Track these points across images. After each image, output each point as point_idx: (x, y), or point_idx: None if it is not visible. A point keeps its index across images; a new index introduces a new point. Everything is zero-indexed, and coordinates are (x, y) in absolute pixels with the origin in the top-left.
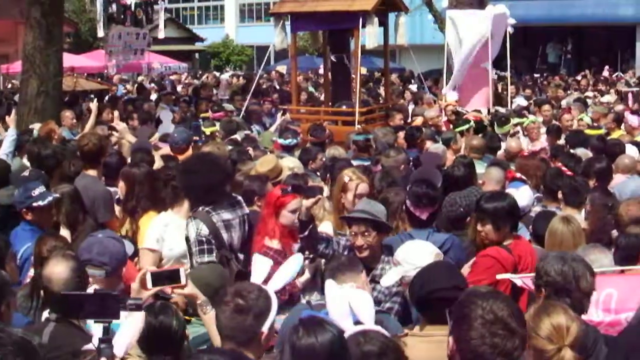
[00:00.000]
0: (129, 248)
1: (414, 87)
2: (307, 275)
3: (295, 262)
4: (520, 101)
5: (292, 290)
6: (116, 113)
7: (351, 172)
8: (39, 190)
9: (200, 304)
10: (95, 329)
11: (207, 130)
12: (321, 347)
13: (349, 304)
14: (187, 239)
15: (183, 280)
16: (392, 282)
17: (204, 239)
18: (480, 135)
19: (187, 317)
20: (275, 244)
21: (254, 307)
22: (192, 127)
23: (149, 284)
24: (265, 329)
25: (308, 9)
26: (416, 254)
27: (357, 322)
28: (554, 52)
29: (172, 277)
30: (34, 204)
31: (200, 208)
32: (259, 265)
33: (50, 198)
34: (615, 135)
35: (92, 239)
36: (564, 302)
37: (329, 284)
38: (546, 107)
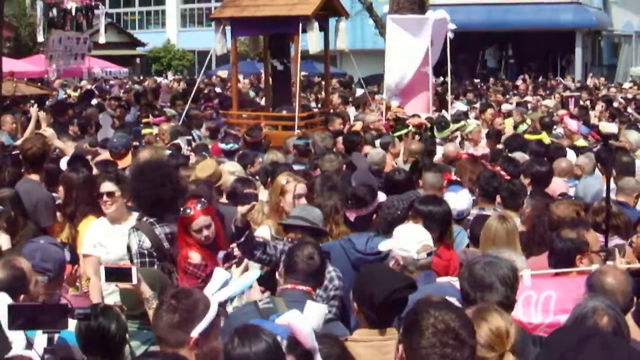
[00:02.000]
0: (67, 254)
1: (360, 91)
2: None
3: (248, 277)
4: (460, 106)
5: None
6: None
7: (287, 175)
8: None
9: (146, 298)
10: (39, 338)
11: (143, 132)
12: (256, 357)
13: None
14: (129, 249)
15: (134, 280)
16: (385, 249)
17: (145, 251)
18: (419, 139)
19: None
20: (195, 257)
21: (184, 310)
22: (132, 132)
23: (103, 278)
24: (194, 334)
25: (248, 13)
26: (406, 236)
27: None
28: (493, 57)
29: (124, 275)
30: None
31: (144, 219)
32: (215, 277)
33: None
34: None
35: (34, 244)
36: (477, 298)
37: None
38: (489, 111)
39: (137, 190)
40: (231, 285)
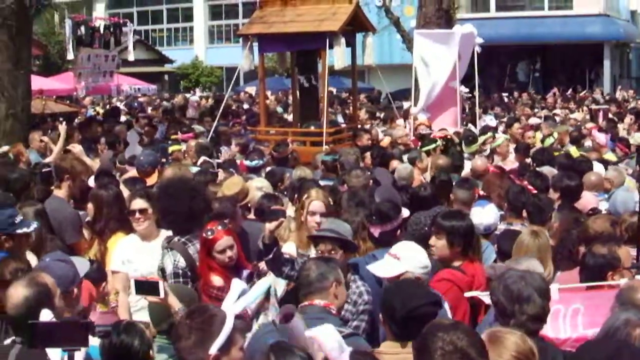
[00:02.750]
0: (83, 267)
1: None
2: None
3: (260, 285)
4: (489, 120)
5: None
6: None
7: (313, 191)
8: (19, 217)
9: (175, 311)
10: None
11: (171, 149)
12: None
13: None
14: (163, 270)
15: (162, 294)
16: (391, 274)
17: (180, 271)
18: (447, 154)
19: None
20: (216, 281)
21: (199, 329)
22: (159, 149)
23: (133, 290)
24: (212, 351)
25: (275, 30)
26: (419, 253)
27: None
28: (524, 71)
29: (152, 288)
30: (18, 231)
31: (176, 238)
32: (233, 288)
33: (34, 225)
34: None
35: (39, 264)
36: (507, 324)
37: (295, 322)
38: (516, 125)
39: (166, 207)
40: (246, 296)
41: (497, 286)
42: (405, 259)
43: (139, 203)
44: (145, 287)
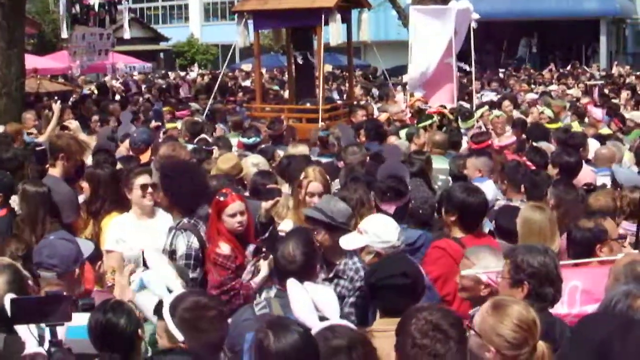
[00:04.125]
0: (87, 248)
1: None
2: (262, 274)
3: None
4: (490, 95)
5: (247, 293)
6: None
7: (310, 170)
8: None
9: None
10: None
11: (168, 126)
12: (291, 349)
13: (312, 301)
14: (173, 252)
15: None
16: (353, 247)
17: (193, 252)
18: (443, 130)
19: None
20: (224, 248)
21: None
22: (154, 112)
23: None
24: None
25: (270, 6)
26: (383, 227)
27: (322, 318)
28: (520, 47)
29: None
30: None
31: (185, 220)
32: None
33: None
34: (556, 125)
35: (43, 241)
36: (548, 293)
37: (291, 283)
38: (506, 102)
39: (170, 188)
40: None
41: (531, 259)
42: (367, 233)
43: (147, 178)
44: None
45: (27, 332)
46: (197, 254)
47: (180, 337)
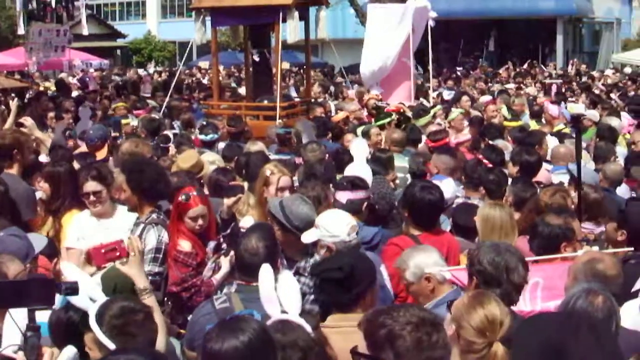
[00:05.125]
0: (39, 243)
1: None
2: (223, 270)
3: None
4: (446, 95)
5: (209, 290)
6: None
7: (273, 166)
8: None
9: (141, 289)
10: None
11: (123, 122)
12: (233, 353)
13: (275, 292)
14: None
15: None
16: (307, 240)
17: (163, 247)
18: (401, 128)
19: None
20: (185, 245)
21: None
22: (111, 123)
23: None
24: None
25: (228, 3)
26: (333, 222)
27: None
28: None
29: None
30: None
31: (154, 215)
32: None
33: None
34: (515, 124)
35: None
36: (493, 293)
37: (265, 268)
38: (464, 98)
39: (139, 182)
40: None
41: (481, 256)
42: (318, 228)
43: (92, 185)
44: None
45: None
46: (166, 249)
47: (111, 345)
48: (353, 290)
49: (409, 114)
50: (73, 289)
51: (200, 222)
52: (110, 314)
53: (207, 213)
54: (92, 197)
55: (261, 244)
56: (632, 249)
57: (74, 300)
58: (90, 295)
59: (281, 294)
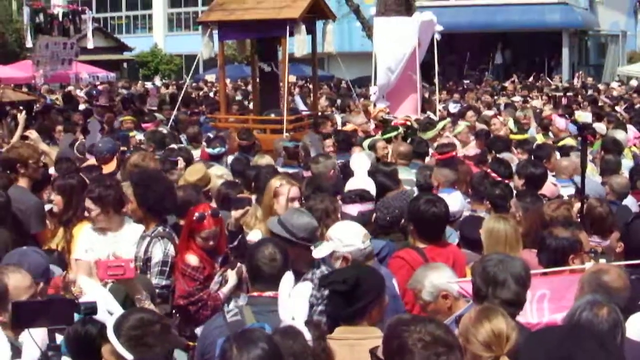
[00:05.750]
0: (57, 271)
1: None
2: (230, 284)
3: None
4: (452, 108)
5: (215, 304)
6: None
7: (280, 178)
8: None
9: (138, 298)
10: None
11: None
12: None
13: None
14: (148, 259)
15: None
16: (322, 254)
17: (169, 260)
18: (408, 141)
19: None
20: (193, 260)
21: None
22: (119, 137)
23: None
24: None
25: (235, 17)
26: (346, 231)
27: None
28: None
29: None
30: None
31: (160, 228)
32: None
33: None
34: (521, 137)
35: (17, 249)
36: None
37: (287, 276)
38: (469, 113)
39: (145, 196)
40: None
41: (477, 268)
42: (332, 239)
43: (88, 203)
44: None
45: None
46: (172, 262)
47: (129, 356)
48: (358, 303)
49: (416, 126)
50: (92, 308)
51: (211, 242)
52: (128, 325)
53: (219, 233)
54: (86, 213)
55: (277, 251)
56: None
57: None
58: (107, 307)
59: (292, 301)
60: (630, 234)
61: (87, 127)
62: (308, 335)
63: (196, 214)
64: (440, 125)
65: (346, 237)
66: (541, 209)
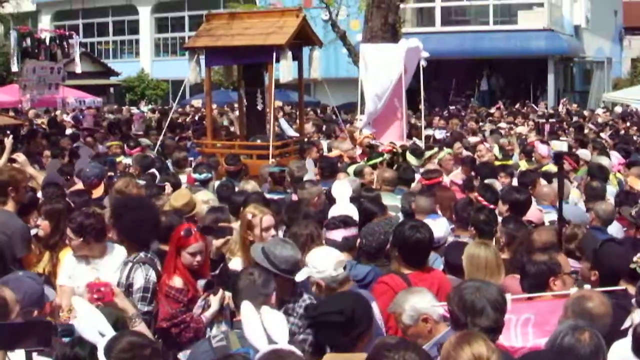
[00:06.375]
0: (51, 294)
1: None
2: (213, 308)
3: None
4: (438, 134)
5: (198, 327)
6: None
7: (252, 208)
8: None
9: (130, 317)
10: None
11: (117, 159)
12: None
13: (262, 325)
14: (130, 285)
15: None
16: (300, 279)
17: (151, 286)
18: (393, 167)
19: None
20: (177, 282)
21: None
22: (106, 162)
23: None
24: None
25: (222, 43)
26: (321, 259)
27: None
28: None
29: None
30: None
31: (142, 254)
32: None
33: None
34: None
35: (10, 275)
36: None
37: (245, 305)
38: (457, 145)
39: (128, 223)
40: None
41: (453, 296)
42: (307, 265)
43: (69, 232)
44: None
45: None
46: (154, 288)
47: None
48: (353, 333)
49: (400, 152)
50: (69, 331)
51: (198, 258)
52: (118, 348)
53: (205, 251)
54: (67, 241)
55: (261, 280)
56: (623, 287)
57: (84, 334)
58: (99, 329)
59: (268, 326)
60: (600, 260)
61: (75, 151)
62: (300, 353)
63: (183, 230)
64: (428, 153)
65: (319, 264)
66: (526, 235)
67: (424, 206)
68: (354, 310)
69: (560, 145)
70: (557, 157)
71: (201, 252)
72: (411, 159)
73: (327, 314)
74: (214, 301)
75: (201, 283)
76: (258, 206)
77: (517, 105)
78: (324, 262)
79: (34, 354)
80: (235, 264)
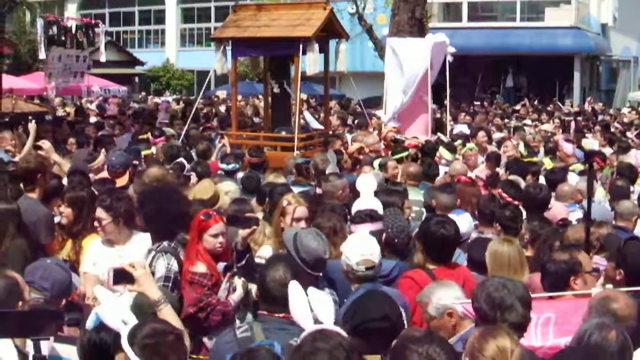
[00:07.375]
0: (77, 281)
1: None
2: (239, 292)
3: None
4: (463, 128)
5: (226, 310)
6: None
7: (290, 196)
8: None
9: (155, 300)
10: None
11: (144, 153)
12: None
13: (309, 305)
14: (152, 273)
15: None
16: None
17: (172, 275)
18: (417, 162)
19: None
20: (200, 267)
21: None
22: (131, 151)
23: (111, 281)
24: None
25: (249, 34)
26: (352, 246)
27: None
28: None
29: (129, 276)
30: None
31: (165, 243)
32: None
33: None
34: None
35: (39, 262)
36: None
37: (293, 284)
38: (481, 134)
39: (153, 211)
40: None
41: (479, 294)
42: (346, 244)
43: (99, 212)
44: (122, 275)
45: (10, 347)
46: (175, 277)
47: None
48: (393, 337)
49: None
50: (76, 320)
51: (220, 239)
52: (142, 334)
53: (226, 232)
54: (95, 223)
55: (289, 275)
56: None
57: (107, 321)
58: (122, 317)
59: (315, 306)
60: (625, 258)
61: (100, 139)
62: (345, 334)
63: (202, 214)
64: (462, 150)
65: (348, 251)
66: (551, 232)
67: (445, 202)
68: (396, 312)
69: (592, 143)
70: (588, 156)
71: (223, 234)
72: (445, 153)
73: (372, 320)
74: (239, 284)
75: (220, 266)
76: (297, 196)
77: (544, 103)
78: (352, 253)
79: (52, 342)
80: (266, 251)
